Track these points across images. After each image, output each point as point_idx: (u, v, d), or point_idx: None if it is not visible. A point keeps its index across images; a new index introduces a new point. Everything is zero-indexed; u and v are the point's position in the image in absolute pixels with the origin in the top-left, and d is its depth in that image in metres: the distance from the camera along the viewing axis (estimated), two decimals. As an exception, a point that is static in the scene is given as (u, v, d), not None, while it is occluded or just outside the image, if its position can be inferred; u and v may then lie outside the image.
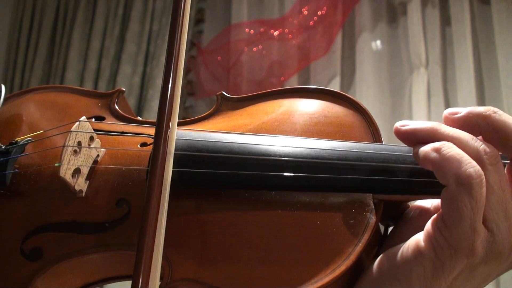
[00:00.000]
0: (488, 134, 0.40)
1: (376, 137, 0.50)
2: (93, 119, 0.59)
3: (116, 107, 0.61)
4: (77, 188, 0.50)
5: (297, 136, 0.51)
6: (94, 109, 0.61)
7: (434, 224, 0.38)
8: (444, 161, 0.37)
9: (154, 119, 0.57)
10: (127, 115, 0.60)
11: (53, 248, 0.49)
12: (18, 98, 0.66)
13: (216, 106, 0.59)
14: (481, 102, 1.96)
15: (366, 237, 0.42)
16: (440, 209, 0.39)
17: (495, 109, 0.41)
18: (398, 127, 0.43)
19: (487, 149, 0.38)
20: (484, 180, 0.36)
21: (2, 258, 0.50)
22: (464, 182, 0.36)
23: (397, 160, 0.44)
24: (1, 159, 0.53)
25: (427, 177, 0.42)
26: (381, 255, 0.42)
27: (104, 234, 0.49)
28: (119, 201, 0.50)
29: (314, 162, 0.46)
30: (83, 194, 0.50)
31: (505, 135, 0.39)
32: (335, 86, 2.17)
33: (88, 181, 0.51)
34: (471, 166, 0.36)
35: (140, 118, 0.63)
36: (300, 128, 0.52)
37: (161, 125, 0.45)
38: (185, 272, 0.44)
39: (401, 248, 0.40)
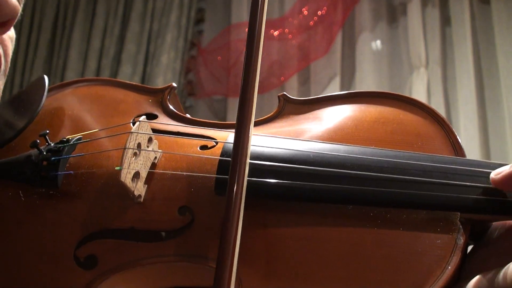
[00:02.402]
0: None
1: (457, 149, 0.46)
2: (145, 117, 0.54)
3: (169, 104, 0.57)
4: (136, 193, 0.46)
5: (372, 145, 0.47)
6: (145, 106, 0.57)
7: None
8: None
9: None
10: (181, 114, 0.57)
11: (109, 257, 0.45)
12: (60, 90, 0.61)
13: (279, 109, 0.55)
14: (481, 101, 1.96)
15: (455, 260, 0.39)
16: None
17: None
18: (493, 177, 0.41)
19: None
20: None
21: (53, 263, 0.46)
22: None
23: (487, 178, 0.41)
24: (53, 158, 0.49)
25: None
26: (476, 279, 0.38)
27: (164, 243, 0.45)
28: (181, 209, 0.46)
29: (398, 177, 0.42)
30: (142, 199, 0.46)
31: None
32: (335, 86, 2.17)
33: (146, 185, 0.47)
34: None
35: (189, 116, 0.58)
36: (375, 137, 0.48)
37: (242, 132, 0.41)
38: (255, 286, 0.41)
39: (500, 274, 0.37)
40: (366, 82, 2.11)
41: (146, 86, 0.60)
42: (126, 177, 0.44)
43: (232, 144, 0.42)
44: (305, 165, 0.44)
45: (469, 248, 0.43)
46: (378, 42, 2.23)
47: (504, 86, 1.91)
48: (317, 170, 0.43)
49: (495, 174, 0.41)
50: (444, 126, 0.48)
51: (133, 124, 0.51)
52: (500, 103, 1.90)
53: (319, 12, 2.25)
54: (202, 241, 0.44)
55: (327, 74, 2.21)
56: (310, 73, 2.25)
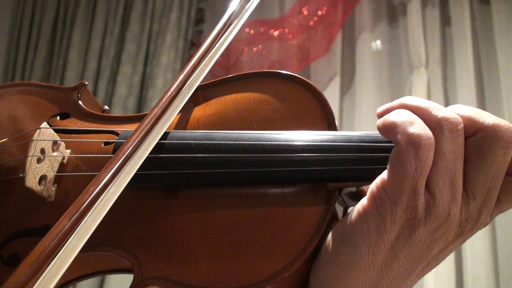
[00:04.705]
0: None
1: (330, 123, 0.49)
2: (58, 117, 0.59)
3: (80, 102, 0.60)
4: (45, 194, 0.50)
5: (254, 125, 0.51)
6: (58, 106, 0.61)
7: (378, 182, 0.40)
8: (399, 122, 0.40)
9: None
10: (92, 111, 0.59)
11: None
12: None
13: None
14: (481, 102, 1.96)
15: (323, 223, 0.43)
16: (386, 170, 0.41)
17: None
18: (377, 111, 0.45)
19: (449, 117, 0.40)
20: (433, 144, 0.38)
21: None
22: (413, 141, 0.38)
23: (348, 149, 0.45)
24: None
25: (377, 164, 0.44)
26: (335, 226, 0.44)
27: None
28: None
29: (269, 156, 0.46)
30: (53, 199, 0.51)
31: (469, 117, 0.41)
32: (335, 86, 2.17)
33: (56, 185, 0.51)
34: (422, 128, 0.39)
35: (107, 107, 0.63)
36: (255, 117, 0.51)
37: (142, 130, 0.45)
38: (154, 270, 0.45)
39: (350, 213, 0.43)
40: (366, 82, 2.11)
41: (59, 86, 0.64)
42: (31, 182, 0.49)
43: (122, 141, 0.49)
44: (188, 154, 0.48)
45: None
46: (378, 42, 2.23)
47: (504, 86, 1.91)
48: (199, 157, 0.47)
49: (379, 109, 0.45)
50: (320, 100, 0.51)
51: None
52: (500, 103, 1.90)
53: (319, 12, 2.25)
54: (107, 230, 0.48)
55: (327, 74, 2.21)
56: (310, 73, 2.25)
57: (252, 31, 2.32)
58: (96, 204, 0.39)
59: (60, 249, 0.36)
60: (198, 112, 0.54)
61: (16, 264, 0.50)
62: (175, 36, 2.41)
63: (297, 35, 2.27)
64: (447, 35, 2.12)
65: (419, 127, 0.39)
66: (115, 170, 0.42)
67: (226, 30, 0.60)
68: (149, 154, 0.46)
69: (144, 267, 0.45)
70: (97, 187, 0.40)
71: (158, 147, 0.48)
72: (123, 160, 0.43)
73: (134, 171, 0.43)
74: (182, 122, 0.54)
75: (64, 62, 2.49)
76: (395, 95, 2.14)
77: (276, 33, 2.30)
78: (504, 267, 1.74)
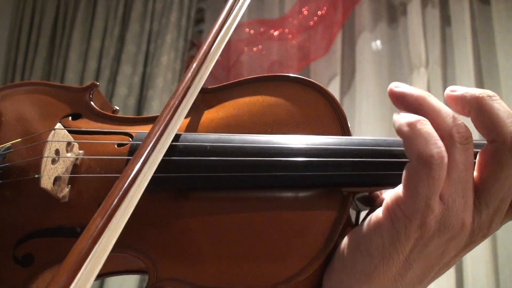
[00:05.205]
0: (475, 115, 0.42)
1: (344, 128, 0.49)
2: (70, 118, 0.59)
3: (92, 103, 0.60)
4: (59, 195, 0.50)
5: (268, 129, 0.50)
6: (70, 106, 0.61)
7: (393, 196, 0.40)
8: (412, 137, 0.39)
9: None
10: (104, 112, 0.59)
11: (43, 254, 0.50)
12: None
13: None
14: (481, 102, 1.96)
15: (338, 229, 0.43)
16: (401, 184, 0.40)
17: (491, 94, 0.41)
18: (392, 88, 0.43)
19: (460, 129, 0.40)
20: (446, 161, 0.38)
21: None
22: (425, 161, 0.37)
23: (363, 155, 0.45)
24: None
25: (390, 169, 0.44)
26: (349, 233, 0.44)
27: None
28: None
29: (284, 161, 0.46)
30: (67, 199, 0.51)
31: (489, 120, 0.40)
32: (335, 86, 2.17)
33: (69, 186, 0.52)
34: (436, 146, 0.38)
35: (117, 108, 0.63)
36: (269, 121, 0.51)
37: (155, 131, 0.45)
38: (169, 272, 0.45)
39: (364, 223, 0.43)
40: (366, 82, 2.11)
41: (70, 86, 0.63)
42: (46, 183, 0.49)
43: (138, 143, 0.48)
44: (202, 156, 0.48)
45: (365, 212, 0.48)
46: (378, 42, 2.23)
47: (504, 86, 1.91)
48: (213, 160, 0.47)
49: (394, 85, 0.43)
50: (333, 105, 0.51)
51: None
52: (500, 103, 1.90)
53: (319, 12, 2.25)
54: (122, 231, 0.48)
55: (327, 74, 2.21)
56: (310, 73, 2.25)
57: (252, 31, 2.32)
58: (123, 203, 0.40)
59: (94, 249, 0.36)
60: (211, 114, 0.54)
61: (30, 264, 0.50)
62: (175, 36, 2.41)
63: (297, 35, 2.27)
64: (447, 35, 2.12)
65: (432, 145, 0.38)
66: (137, 169, 0.42)
67: (226, 22, 0.60)
68: (163, 156, 0.46)
69: (159, 268, 0.45)
70: (124, 185, 0.40)
71: (171, 150, 0.48)
72: (143, 161, 0.43)
73: (152, 172, 0.43)
74: (194, 124, 0.53)
75: (64, 62, 2.48)
76: (395, 95, 2.14)
77: (276, 33, 2.30)
78: (504, 267, 1.74)
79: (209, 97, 0.55)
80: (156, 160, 0.44)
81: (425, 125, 0.39)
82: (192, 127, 0.53)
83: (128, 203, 0.40)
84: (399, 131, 0.40)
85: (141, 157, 0.43)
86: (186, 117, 0.53)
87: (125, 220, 0.39)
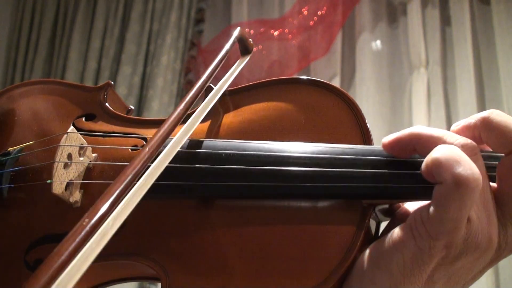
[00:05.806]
0: (486, 135, 0.41)
1: (365, 137, 0.47)
2: (84, 118, 0.57)
3: (107, 104, 0.59)
4: (71, 200, 0.49)
5: (285, 136, 0.49)
6: (83, 106, 0.59)
7: (418, 214, 0.39)
8: (443, 159, 0.37)
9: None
10: (118, 113, 0.58)
11: None
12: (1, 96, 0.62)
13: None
14: (481, 102, 1.96)
15: (357, 241, 0.42)
16: (427, 202, 0.39)
17: (492, 110, 0.42)
18: (384, 142, 0.43)
19: (464, 143, 0.39)
20: (480, 184, 0.36)
21: (7, 269, 0.50)
22: (461, 184, 0.36)
23: (384, 166, 0.43)
24: None
25: (414, 182, 0.42)
26: (368, 247, 0.42)
27: None
28: None
29: (304, 171, 0.44)
30: (79, 204, 0.49)
31: (499, 133, 0.40)
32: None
33: (82, 190, 0.50)
34: (470, 168, 0.36)
35: (132, 107, 0.61)
36: (287, 127, 0.49)
37: (161, 134, 0.43)
38: (181, 282, 0.43)
39: (385, 238, 0.41)
40: (366, 82, 2.11)
41: (84, 85, 0.62)
42: (58, 188, 0.48)
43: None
44: (219, 165, 0.46)
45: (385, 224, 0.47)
46: (378, 42, 2.23)
47: (504, 86, 1.91)
48: (228, 169, 0.46)
49: (384, 140, 0.43)
50: (354, 111, 0.49)
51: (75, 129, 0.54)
52: (500, 103, 1.90)
53: (319, 12, 2.25)
54: (136, 240, 0.47)
55: (327, 74, 2.21)
56: (310, 73, 2.25)
57: (252, 31, 2.32)
58: (113, 213, 0.37)
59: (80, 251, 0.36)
60: (229, 119, 0.52)
61: None
62: (175, 36, 2.41)
63: (297, 35, 2.27)
64: (447, 35, 2.12)
65: (466, 167, 0.36)
66: (128, 181, 0.39)
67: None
68: (181, 164, 0.45)
69: (171, 278, 0.44)
70: (115, 192, 0.38)
71: (189, 157, 0.46)
72: (136, 171, 0.40)
73: (153, 180, 0.41)
74: (213, 128, 0.52)
75: (64, 62, 2.48)
76: (395, 95, 2.14)
77: (276, 33, 2.30)
78: (504, 267, 1.74)
79: (226, 100, 0.54)
80: (158, 167, 0.42)
81: (453, 148, 0.38)
82: (211, 131, 0.52)
83: (121, 211, 0.38)
84: (428, 164, 0.38)
85: (134, 168, 0.40)
86: (204, 121, 0.52)
87: (115, 229, 0.37)
